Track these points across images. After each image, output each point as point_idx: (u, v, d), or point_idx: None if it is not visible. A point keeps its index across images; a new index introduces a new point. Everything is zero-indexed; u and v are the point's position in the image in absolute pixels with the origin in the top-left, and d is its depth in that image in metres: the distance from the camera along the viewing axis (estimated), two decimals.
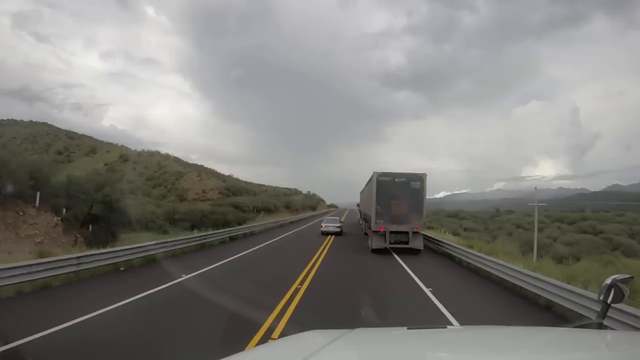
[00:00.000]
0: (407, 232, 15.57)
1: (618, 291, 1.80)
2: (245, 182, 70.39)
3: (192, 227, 29.69)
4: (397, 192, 15.77)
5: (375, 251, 15.94)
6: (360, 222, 34.10)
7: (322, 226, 25.64)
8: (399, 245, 15.67)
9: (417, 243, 15.74)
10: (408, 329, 1.80)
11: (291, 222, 36.52)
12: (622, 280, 1.82)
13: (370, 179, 17.50)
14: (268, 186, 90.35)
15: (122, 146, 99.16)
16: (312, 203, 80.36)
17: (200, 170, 66.11)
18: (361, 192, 33.03)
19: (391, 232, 15.56)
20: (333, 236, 23.40)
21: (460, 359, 1.59)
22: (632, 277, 2.02)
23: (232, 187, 45.19)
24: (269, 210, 39.37)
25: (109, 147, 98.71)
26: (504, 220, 60.85)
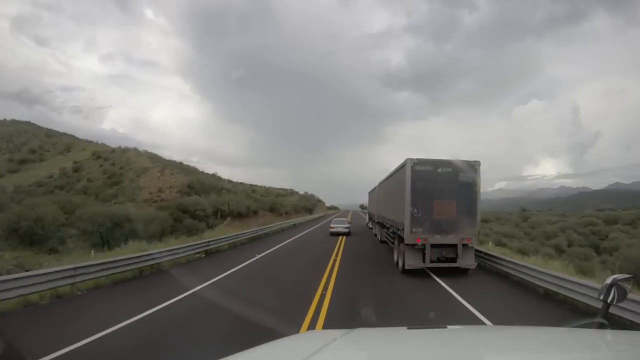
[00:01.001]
0: (454, 246, 10.62)
1: (618, 291, 1.77)
2: (229, 181, 58.39)
3: (103, 244, 17.81)
4: (441, 187, 10.71)
5: (408, 272, 10.86)
6: (370, 225, 27.67)
7: (331, 227, 24.55)
8: (442, 265, 10.68)
9: (467, 260, 10.80)
10: (408, 328, 1.78)
11: (255, 237, 24.50)
12: (623, 280, 1.80)
13: (400, 168, 12.11)
14: (261, 187, 78.97)
15: (102, 144, 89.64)
16: (309, 205, 67.88)
17: (175, 166, 54.13)
18: (370, 192, 26.07)
19: (433, 246, 10.56)
20: (342, 252, 16.36)
21: (460, 358, 1.48)
22: (632, 277, 2.04)
23: (196, 184, 33.20)
24: (239, 215, 27.50)
25: (86, 144, 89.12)
26: (540, 222, 48.21)
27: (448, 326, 1.95)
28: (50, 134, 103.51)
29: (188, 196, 30.77)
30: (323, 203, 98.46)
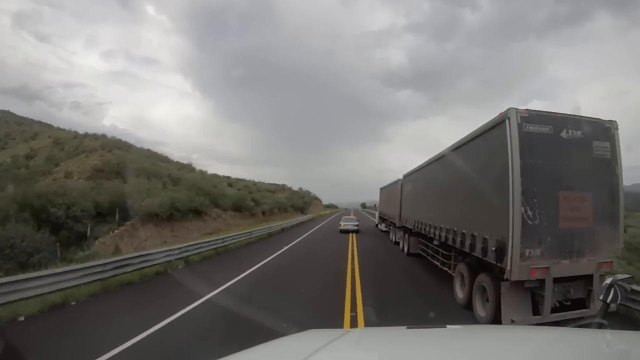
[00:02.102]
0: (588, 277, 5.88)
1: (618, 291, 1.82)
2: (201, 172, 47.39)
3: None
4: (568, 166, 5.79)
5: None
6: (384, 228, 23.64)
7: (340, 224, 25.43)
8: (567, 315, 5.72)
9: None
10: (408, 328, 1.73)
11: None
12: (623, 280, 1.85)
13: (489, 130, 6.41)
14: (248, 181, 68.23)
15: (73, 131, 79.97)
16: (301, 203, 56.27)
17: (134, 152, 43.21)
18: (384, 189, 22.46)
19: (556, 281, 5.64)
20: (359, 277, 9.84)
21: (460, 358, 1.44)
22: (632, 277, 2.19)
23: (114, 166, 22.02)
24: (155, 217, 16.05)
25: (56, 132, 79.63)
26: None
27: (448, 326, 1.88)
28: (21, 121, 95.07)
29: (102, 180, 19.52)
30: (319, 201, 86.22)
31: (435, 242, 9.97)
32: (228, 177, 63.90)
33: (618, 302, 1.85)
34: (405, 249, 14.32)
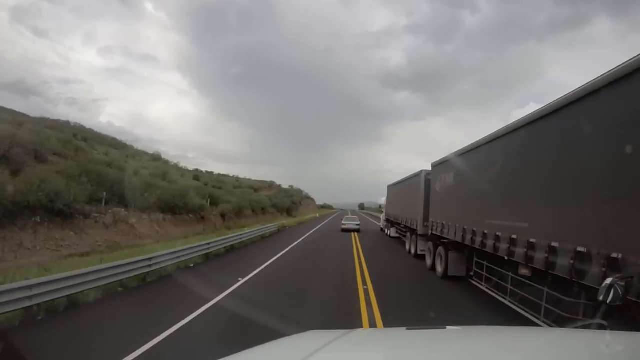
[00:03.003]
0: None
1: (617, 291, 1.74)
2: (168, 162, 39.21)
3: None
4: None
5: None
6: (393, 234, 20.70)
7: (342, 224, 25.86)
8: None
9: None
10: (407, 329, 1.72)
11: None
12: (623, 280, 1.79)
13: None
14: (232, 177, 60.11)
15: (49, 118, 72.61)
16: (287, 203, 47.64)
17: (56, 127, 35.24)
18: (394, 186, 19.91)
19: None
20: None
21: (459, 359, 1.42)
22: (632, 277, 1.98)
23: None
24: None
25: (21, 118, 71.99)
26: None
27: (447, 327, 1.85)
28: None
29: None
30: (312, 201, 77.50)
31: (524, 271, 6.05)
32: (211, 173, 55.84)
33: (618, 302, 1.77)
34: (439, 268, 11.25)
